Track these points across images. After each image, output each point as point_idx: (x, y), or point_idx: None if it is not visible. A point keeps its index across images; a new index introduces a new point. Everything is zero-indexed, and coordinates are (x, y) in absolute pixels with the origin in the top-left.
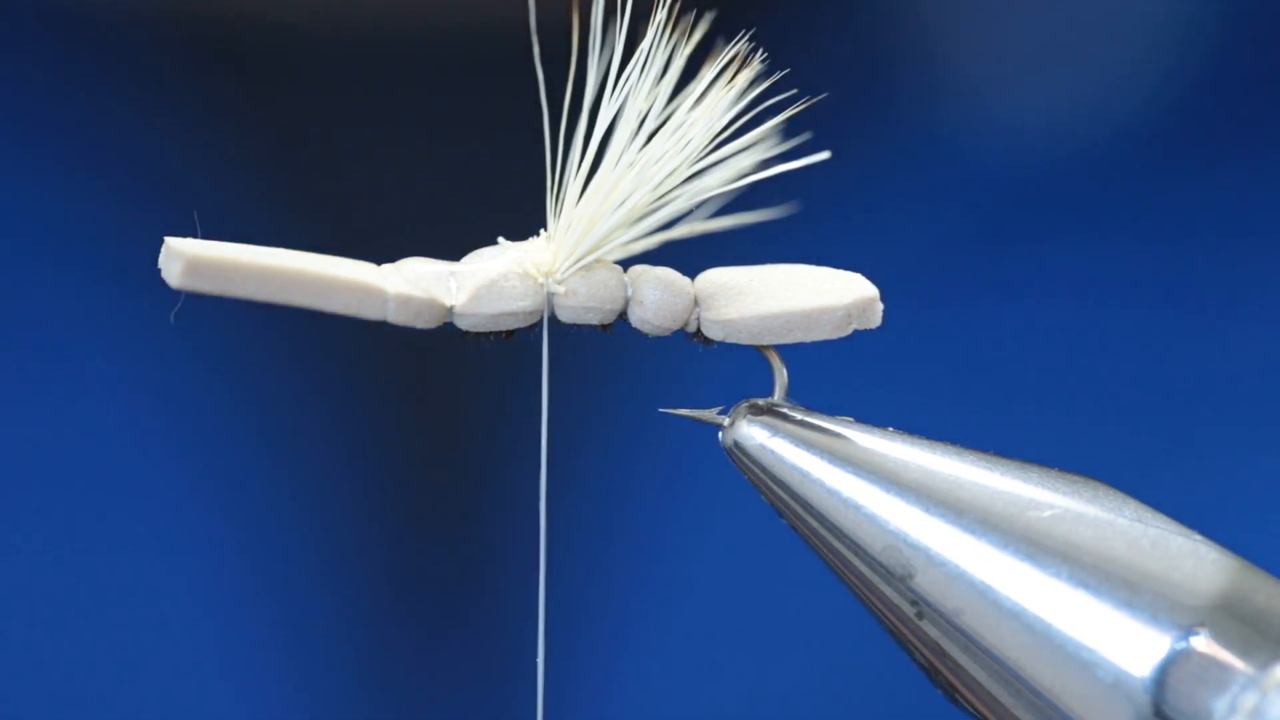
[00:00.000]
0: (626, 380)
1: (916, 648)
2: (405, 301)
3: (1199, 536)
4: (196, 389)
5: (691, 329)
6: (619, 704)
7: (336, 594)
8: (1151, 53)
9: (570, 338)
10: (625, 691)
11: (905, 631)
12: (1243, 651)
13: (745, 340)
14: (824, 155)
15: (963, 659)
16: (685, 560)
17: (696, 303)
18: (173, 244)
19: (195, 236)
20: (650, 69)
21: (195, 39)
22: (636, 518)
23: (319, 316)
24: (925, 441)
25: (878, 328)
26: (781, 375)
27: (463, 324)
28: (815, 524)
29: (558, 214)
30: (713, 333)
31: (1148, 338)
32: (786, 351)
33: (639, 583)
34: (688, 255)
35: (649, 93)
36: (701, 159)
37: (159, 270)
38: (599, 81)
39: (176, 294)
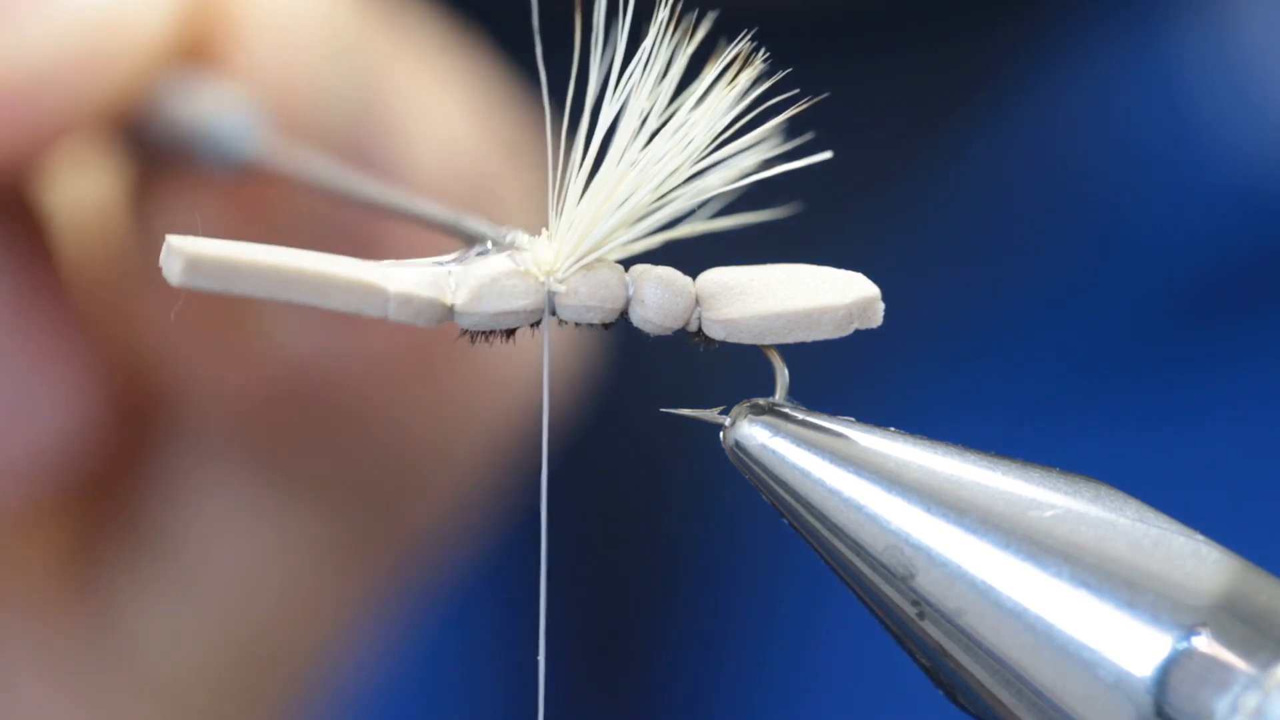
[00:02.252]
0: (626, 380)
1: (918, 648)
2: (406, 300)
3: (1201, 537)
4: None
5: (693, 328)
6: (620, 700)
7: None
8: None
9: (571, 337)
10: (627, 687)
11: (907, 632)
12: (1244, 652)
13: (747, 340)
14: (825, 155)
15: (964, 659)
16: (685, 559)
17: (698, 302)
18: (173, 242)
19: (196, 235)
20: (652, 68)
21: None
22: (636, 517)
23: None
24: (926, 441)
25: (878, 327)
26: (783, 375)
27: (464, 322)
28: (816, 524)
29: (559, 213)
30: (714, 332)
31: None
32: (788, 351)
33: (639, 581)
34: (693, 255)
35: (651, 92)
36: (703, 158)
37: None
38: (601, 81)
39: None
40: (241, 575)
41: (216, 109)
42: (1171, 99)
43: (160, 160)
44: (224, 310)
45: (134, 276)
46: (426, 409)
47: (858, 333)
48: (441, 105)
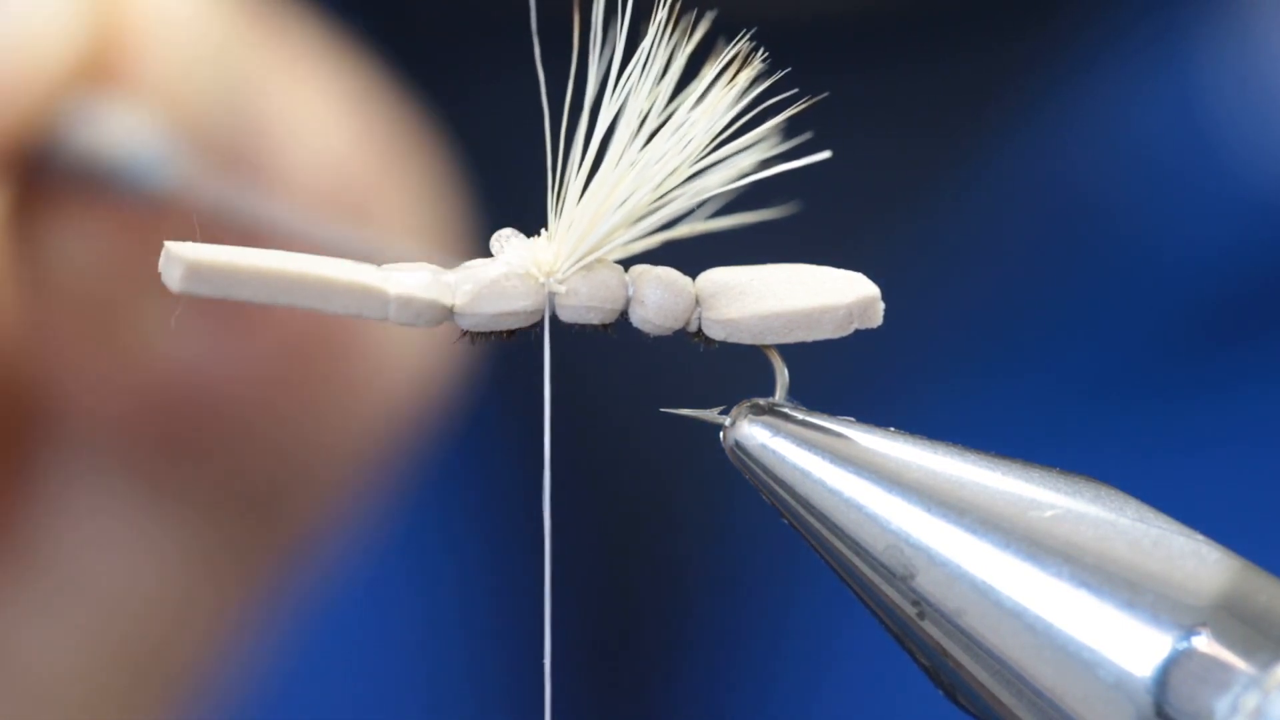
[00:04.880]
0: (626, 380)
1: (918, 648)
2: (406, 302)
3: (1201, 537)
4: None
5: (693, 329)
6: (620, 697)
7: None
8: None
9: (571, 338)
10: (627, 685)
11: (907, 632)
12: (1245, 652)
13: (747, 340)
14: (824, 155)
15: (964, 659)
16: (685, 559)
17: (698, 302)
18: (172, 248)
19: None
20: (651, 68)
21: None
22: (636, 518)
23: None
24: (927, 441)
25: (879, 327)
26: (783, 375)
27: (464, 323)
28: (816, 524)
29: (559, 213)
30: (714, 332)
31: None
32: (788, 351)
33: (639, 581)
34: (693, 255)
35: (650, 92)
36: (703, 158)
37: None
38: (600, 81)
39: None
40: (115, 583)
41: (131, 137)
42: (1188, 117)
43: (55, 185)
44: (101, 312)
45: (9, 279)
46: (306, 408)
47: (858, 333)
48: (318, 116)
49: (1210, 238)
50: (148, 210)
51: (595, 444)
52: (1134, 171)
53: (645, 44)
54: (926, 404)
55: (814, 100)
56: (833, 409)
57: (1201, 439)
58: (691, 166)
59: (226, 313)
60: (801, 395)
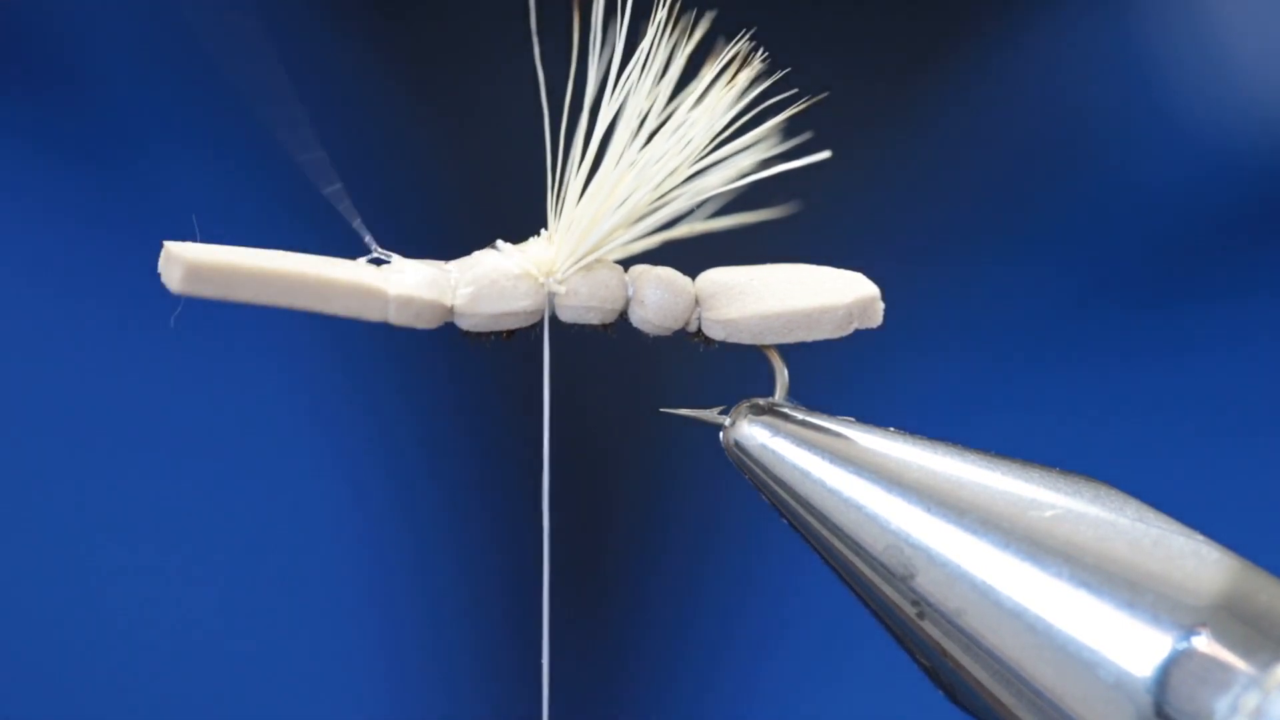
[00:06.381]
0: (626, 380)
1: (917, 648)
2: (406, 303)
3: (1200, 537)
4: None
5: (692, 329)
6: (620, 702)
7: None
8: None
9: (571, 338)
10: (627, 690)
11: (907, 632)
12: (1245, 652)
13: (746, 340)
14: (824, 155)
15: (964, 659)
16: (685, 560)
17: (697, 302)
18: (171, 248)
19: (195, 240)
20: (651, 68)
21: None
22: (636, 518)
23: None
24: (927, 441)
25: (879, 327)
26: (782, 375)
27: (463, 324)
28: (816, 524)
29: (558, 213)
30: (714, 332)
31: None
32: (788, 351)
33: (637, 582)
34: (692, 255)
35: (649, 92)
36: (702, 158)
37: None
38: (599, 80)
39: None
40: None
41: None
42: (1136, 64)
43: None
44: None
45: None
46: None
47: (858, 332)
48: None
49: (1167, 175)
50: None
51: (594, 444)
52: (1085, 114)
53: (645, 44)
54: (917, 389)
55: (814, 100)
56: (833, 409)
57: (1178, 346)
58: (691, 166)
59: None
60: (801, 395)
